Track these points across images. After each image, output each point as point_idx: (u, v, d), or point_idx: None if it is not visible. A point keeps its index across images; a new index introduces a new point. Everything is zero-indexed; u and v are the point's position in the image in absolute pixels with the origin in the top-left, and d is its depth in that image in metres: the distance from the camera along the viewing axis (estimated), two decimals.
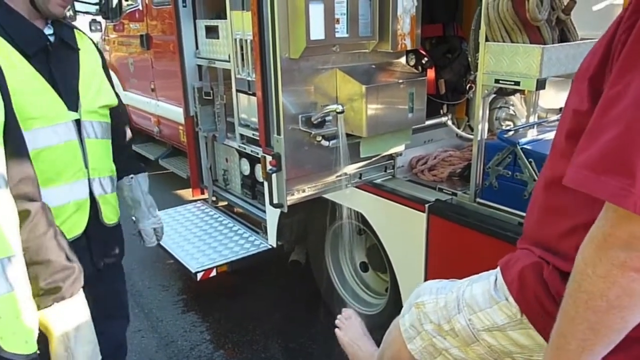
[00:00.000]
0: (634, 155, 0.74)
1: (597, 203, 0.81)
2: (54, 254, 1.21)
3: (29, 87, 1.63)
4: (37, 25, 1.70)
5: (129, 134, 2.17)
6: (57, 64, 1.72)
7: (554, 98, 2.96)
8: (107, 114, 1.93)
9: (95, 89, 1.86)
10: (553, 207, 1.05)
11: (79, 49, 1.84)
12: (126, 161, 2.11)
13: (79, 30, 1.92)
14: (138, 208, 2.20)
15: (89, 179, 1.82)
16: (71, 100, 1.74)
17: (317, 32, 2.02)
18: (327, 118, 2.19)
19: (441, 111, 2.94)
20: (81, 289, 1.29)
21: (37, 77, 1.66)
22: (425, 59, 2.64)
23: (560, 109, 3.22)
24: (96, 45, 1.98)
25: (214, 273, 3.39)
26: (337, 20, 2.08)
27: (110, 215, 1.95)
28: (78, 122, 1.77)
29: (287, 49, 2.05)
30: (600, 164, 0.77)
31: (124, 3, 5.74)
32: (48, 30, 1.75)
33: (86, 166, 1.80)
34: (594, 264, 0.81)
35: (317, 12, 2.00)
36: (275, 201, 2.27)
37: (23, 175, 1.14)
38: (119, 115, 2.03)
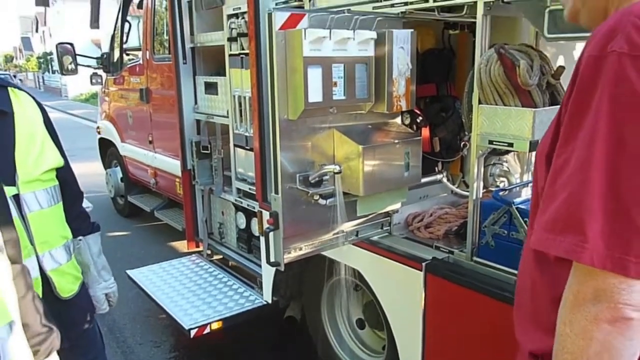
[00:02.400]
0: (582, 215, 0.81)
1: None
2: (31, 317, 1.21)
3: None
4: None
5: (77, 192, 1.99)
6: None
7: None
8: (53, 176, 1.78)
9: (36, 154, 1.69)
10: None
11: (13, 112, 1.66)
12: (75, 222, 1.93)
13: (14, 86, 1.74)
14: (87, 272, 2.00)
15: (37, 256, 1.69)
16: (7, 173, 1.58)
17: (315, 95, 2.08)
18: (325, 177, 2.22)
19: (436, 168, 2.98)
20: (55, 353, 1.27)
21: None
22: (420, 118, 2.71)
23: None
24: (36, 100, 1.80)
25: (207, 330, 3.33)
26: (335, 84, 2.14)
27: (68, 286, 1.81)
28: (17, 197, 1.61)
29: (286, 110, 2.10)
30: (556, 225, 0.85)
31: (125, 57, 5.89)
32: None
33: (32, 243, 1.66)
34: (571, 323, 0.85)
35: (315, 76, 2.06)
36: (272, 259, 2.27)
37: (7, 237, 1.16)
38: (64, 174, 1.86)
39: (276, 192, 2.19)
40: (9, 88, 1.70)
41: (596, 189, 0.80)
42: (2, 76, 1.75)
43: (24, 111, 1.70)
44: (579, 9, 1.04)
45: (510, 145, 2.09)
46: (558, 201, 0.85)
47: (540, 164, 1.02)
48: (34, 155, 1.67)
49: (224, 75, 3.71)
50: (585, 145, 0.82)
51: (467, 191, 2.98)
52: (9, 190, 1.57)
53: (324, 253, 2.69)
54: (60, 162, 1.80)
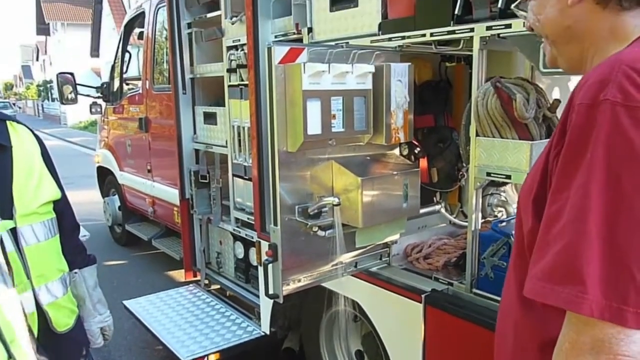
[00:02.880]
0: (581, 264, 0.80)
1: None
2: None
3: None
4: None
5: (73, 224, 1.97)
6: None
7: None
8: (50, 209, 1.76)
9: (34, 187, 1.69)
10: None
11: (11, 146, 1.66)
12: (71, 254, 1.90)
13: (11, 119, 1.74)
14: (82, 306, 1.97)
15: (33, 290, 1.66)
16: (5, 207, 1.59)
17: (314, 127, 2.09)
18: (324, 209, 2.22)
19: (434, 199, 2.99)
20: None
21: None
22: (418, 149, 2.72)
23: None
24: (34, 133, 1.81)
25: None
26: (334, 116, 2.17)
27: (64, 320, 1.79)
28: (14, 230, 1.60)
29: (285, 142, 2.12)
30: (553, 274, 0.84)
31: (125, 87, 5.95)
32: None
33: (28, 277, 1.64)
34: None
35: (314, 109, 2.08)
36: (270, 292, 2.25)
37: None
38: (61, 206, 1.84)
39: (275, 224, 2.19)
40: (7, 122, 1.70)
41: (594, 239, 0.80)
42: (1, 105, 1.73)
43: (22, 145, 1.71)
44: (556, 57, 1.07)
45: (508, 177, 2.10)
46: (554, 250, 0.84)
47: (525, 207, 1.01)
48: (31, 189, 1.67)
49: (223, 105, 3.75)
50: (581, 195, 0.82)
51: (466, 221, 2.99)
52: (7, 224, 1.57)
53: (323, 284, 2.67)
54: (57, 194, 1.79)
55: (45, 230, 1.71)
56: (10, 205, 1.60)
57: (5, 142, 1.65)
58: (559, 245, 0.83)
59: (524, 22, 1.18)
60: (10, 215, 1.59)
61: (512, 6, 1.31)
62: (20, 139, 1.71)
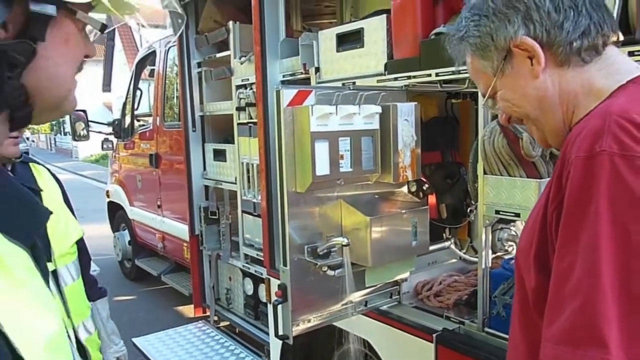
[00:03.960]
0: (600, 324, 0.78)
1: None
2: None
3: None
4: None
5: (88, 259, 2.04)
6: None
7: None
8: (76, 248, 1.84)
9: (63, 229, 1.76)
10: None
11: (41, 190, 1.73)
12: (86, 288, 1.94)
13: (35, 162, 1.82)
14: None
15: (74, 328, 1.69)
16: (44, 250, 1.67)
17: (323, 168, 2.11)
18: (333, 249, 2.22)
19: (444, 234, 2.98)
20: None
21: None
22: (426, 185, 2.72)
23: None
24: (52, 173, 1.88)
25: None
26: (342, 156, 2.19)
27: (96, 354, 1.84)
28: (54, 272, 1.65)
29: (294, 183, 2.14)
30: (572, 337, 0.81)
31: (136, 123, 6.04)
32: None
33: (69, 316, 1.67)
34: None
35: (322, 150, 2.11)
36: (280, 332, 2.24)
37: None
38: (81, 243, 1.91)
39: (284, 264, 2.19)
40: (30, 164, 1.77)
41: (609, 294, 0.78)
42: (22, 149, 1.81)
43: (46, 187, 1.78)
44: (544, 136, 1.07)
45: (517, 215, 2.10)
46: (570, 310, 0.82)
47: (526, 264, 0.98)
48: (61, 230, 1.74)
49: (232, 142, 3.79)
50: (590, 249, 0.81)
51: (476, 257, 2.97)
52: (48, 266, 1.59)
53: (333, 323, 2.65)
54: (81, 233, 1.86)
55: (75, 269, 1.79)
56: (49, 248, 1.64)
57: (35, 186, 1.72)
58: (574, 305, 0.81)
59: (500, 117, 1.18)
60: (50, 258, 1.63)
61: (482, 104, 1.33)
62: (44, 181, 1.79)
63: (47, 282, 0.74)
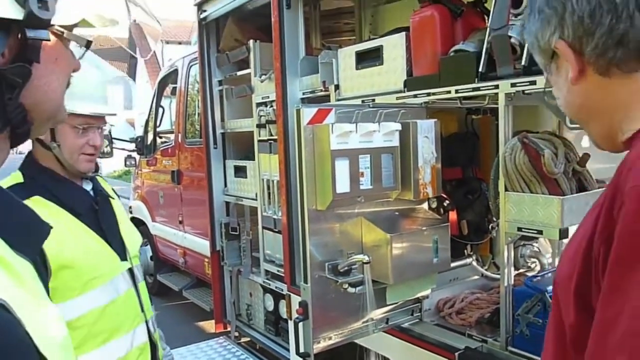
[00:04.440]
0: None
1: None
2: None
3: (84, 247, 1.65)
4: (77, 183, 1.76)
5: None
6: (103, 217, 1.76)
7: None
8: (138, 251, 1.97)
9: (132, 233, 1.90)
10: None
11: (113, 198, 1.88)
12: None
13: (101, 177, 1.95)
14: None
15: (146, 321, 1.82)
16: (120, 250, 1.77)
17: (343, 185, 2.12)
18: (353, 266, 2.23)
19: (465, 251, 2.96)
20: None
21: (91, 235, 1.70)
22: (447, 202, 2.72)
23: None
24: (113, 189, 2.02)
25: None
26: (362, 174, 2.20)
27: (161, 351, 1.94)
28: (130, 270, 1.79)
29: (314, 201, 2.15)
30: None
31: (158, 140, 6.14)
32: (87, 186, 1.79)
33: (142, 310, 1.82)
34: None
35: (342, 168, 2.12)
36: (301, 350, 2.24)
37: None
38: None
39: (305, 282, 2.20)
40: (99, 178, 1.90)
41: None
42: None
43: (114, 196, 1.93)
44: (593, 139, 0.99)
45: (540, 232, 2.08)
46: None
47: (566, 297, 0.90)
48: (130, 234, 1.88)
49: (253, 159, 3.83)
50: None
51: (498, 273, 2.93)
52: (124, 265, 1.76)
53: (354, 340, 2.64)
54: (141, 239, 2.00)
55: (139, 270, 1.89)
56: (124, 248, 1.80)
57: (109, 194, 1.87)
58: None
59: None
60: (126, 258, 1.79)
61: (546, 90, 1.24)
62: (109, 190, 1.93)
63: (48, 293, 0.78)
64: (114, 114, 1.90)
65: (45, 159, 1.70)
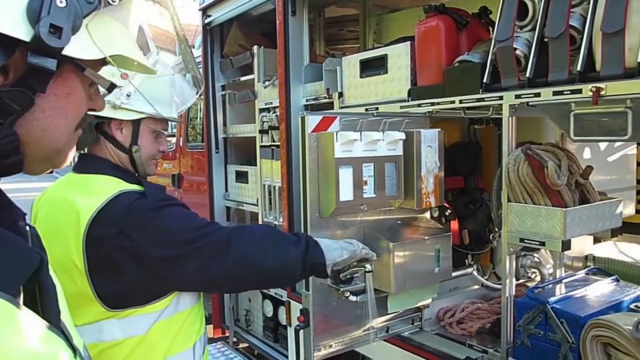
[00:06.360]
0: None
1: None
2: None
3: None
4: None
5: None
6: None
7: (577, 244, 2.98)
8: None
9: None
10: None
11: None
12: None
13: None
14: None
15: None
16: None
17: (346, 194, 2.13)
18: (355, 274, 2.22)
19: (466, 261, 2.96)
20: None
21: None
22: (449, 211, 2.72)
23: (586, 256, 3.22)
24: None
25: None
26: (365, 182, 2.20)
27: None
28: None
29: (317, 208, 2.15)
30: None
31: None
32: None
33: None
34: None
35: (346, 176, 2.12)
36: (301, 358, 2.24)
37: None
38: None
39: (307, 289, 2.20)
40: None
41: None
42: None
43: None
44: None
45: (542, 244, 2.08)
46: None
47: None
48: None
49: (255, 164, 3.83)
50: None
51: (498, 283, 2.94)
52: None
53: (355, 348, 2.64)
54: None
55: None
56: None
57: None
58: None
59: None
60: None
61: None
62: None
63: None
64: (177, 120, 1.87)
65: (119, 161, 1.66)
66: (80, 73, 0.76)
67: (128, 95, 1.59)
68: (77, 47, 0.71)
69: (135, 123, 1.66)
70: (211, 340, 4.54)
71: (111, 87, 0.83)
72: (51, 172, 0.87)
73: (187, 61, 1.35)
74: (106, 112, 1.57)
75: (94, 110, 0.83)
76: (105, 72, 0.83)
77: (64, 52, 0.70)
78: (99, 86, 0.83)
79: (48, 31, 0.66)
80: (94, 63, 0.78)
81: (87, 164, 1.65)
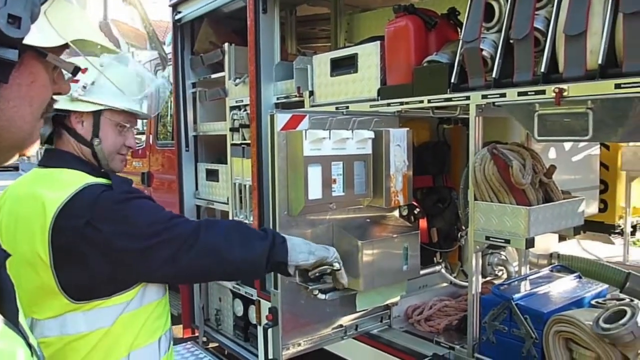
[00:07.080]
0: None
1: None
2: None
3: None
4: None
5: None
6: None
7: (542, 242, 3.06)
8: None
9: None
10: None
11: None
12: None
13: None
14: None
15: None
16: None
17: (315, 192, 2.13)
18: (324, 272, 2.22)
19: (434, 258, 3.00)
20: None
21: None
22: (417, 209, 2.74)
23: (551, 254, 3.30)
24: None
25: None
26: (334, 180, 2.20)
27: None
28: None
29: (287, 206, 2.15)
30: None
31: None
32: None
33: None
34: None
35: (315, 174, 2.12)
36: (270, 357, 2.23)
37: None
38: None
39: (275, 287, 2.19)
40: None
41: None
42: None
43: None
44: None
45: (507, 241, 2.12)
46: None
47: None
48: None
49: (225, 163, 3.80)
50: None
51: (466, 281, 2.98)
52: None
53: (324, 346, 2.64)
54: None
55: None
56: None
57: None
58: None
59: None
60: None
61: None
62: None
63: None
64: (147, 117, 1.85)
65: (82, 154, 1.63)
66: (43, 59, 0.75)
67: (84, 87, 1.57)
68: (38, 35, 0.71)
69: (96, 115, 1.63)
70: (181, 340, 4.49)
71: (75, 70, 0.83)
72: (17, 169, 0.85)
73: (151, 39, 1.34)
74: (64, 105, 1.56)
75: (59, 94, 0.82)
76: (75, 61, 0.83)
77: (24, 41, 0.69)
78: (63, 70, 0.82)
79: (7, 22, 0.65)
80: (56, 48, 0.77)
81: (53, 159, 1.62)
